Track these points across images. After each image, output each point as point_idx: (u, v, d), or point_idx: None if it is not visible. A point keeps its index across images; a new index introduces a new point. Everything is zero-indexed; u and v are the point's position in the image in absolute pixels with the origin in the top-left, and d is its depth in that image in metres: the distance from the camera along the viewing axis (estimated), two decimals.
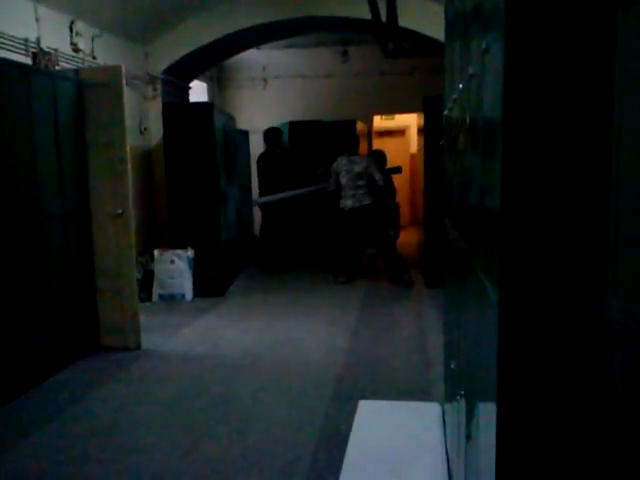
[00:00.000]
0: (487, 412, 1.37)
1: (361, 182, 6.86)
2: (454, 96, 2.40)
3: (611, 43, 0.94)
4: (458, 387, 2.23)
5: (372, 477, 2.70)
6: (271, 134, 7.99)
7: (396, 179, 8.15)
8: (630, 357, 0.84)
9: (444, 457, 2.80)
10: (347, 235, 7.00)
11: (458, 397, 2.18)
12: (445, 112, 2.98)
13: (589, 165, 1.11)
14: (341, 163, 6.99)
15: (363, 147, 9.76)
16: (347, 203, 6.88)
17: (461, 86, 2.09)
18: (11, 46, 4.56)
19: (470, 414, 1.80)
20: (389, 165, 7.94)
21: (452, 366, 2.54)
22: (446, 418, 3.03)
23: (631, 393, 0.84)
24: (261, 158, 7.98)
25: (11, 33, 4.57)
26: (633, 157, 0.84)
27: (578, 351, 1.16)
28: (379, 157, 7.71)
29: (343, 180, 6.92)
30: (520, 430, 1.22)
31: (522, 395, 1.21)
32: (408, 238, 9.96)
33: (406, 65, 9.08)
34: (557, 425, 1.20)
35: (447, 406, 2.99)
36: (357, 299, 6.30)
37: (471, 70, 1.72)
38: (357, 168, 6.89)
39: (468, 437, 1.81)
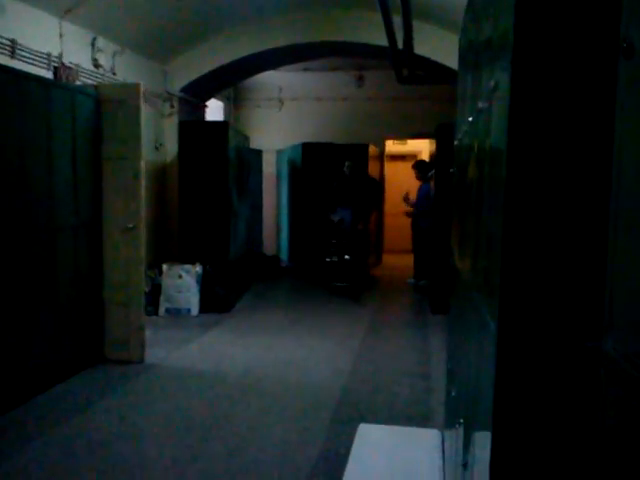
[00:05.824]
0: (482, 441, 1.38)
1: None
2: (464, 128, 2.44)
3: (613, 81, 0.97)
4: (457, 415, 2.23)
5: None
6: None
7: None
8: (624, 392, 0.86)
9: None
10: None
11: (457, 425, 2.19)
12: (456, 142, 3.02)
13: (589, 201, 1.14)
14: None
15: (375, 170, 9.84)
16: None
17: (471, 119, 2.13)
18: (33, 60, 4.67)
19: (467, 442, 1.81)
20: None
21: (452, 393, 2.54)
22: (445, 445, 3.02)
23: (626, 427, 0.86)
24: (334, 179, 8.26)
25: (35, 47, 4.69)
26: (632, 202, 0.87)
27: (573, 385, 1.18)
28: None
29: None
30: (514, 462, 1.23)
31: (517, 426, 1.22)
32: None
33: (419, 92, 9.17)
34: (551, 458, 1.21)
35: (447, 433, 2.98)
36: (364, 322, 6.30)
37: (480, 104, 1.76)
38: None
39: (464, 466, 1.81)
